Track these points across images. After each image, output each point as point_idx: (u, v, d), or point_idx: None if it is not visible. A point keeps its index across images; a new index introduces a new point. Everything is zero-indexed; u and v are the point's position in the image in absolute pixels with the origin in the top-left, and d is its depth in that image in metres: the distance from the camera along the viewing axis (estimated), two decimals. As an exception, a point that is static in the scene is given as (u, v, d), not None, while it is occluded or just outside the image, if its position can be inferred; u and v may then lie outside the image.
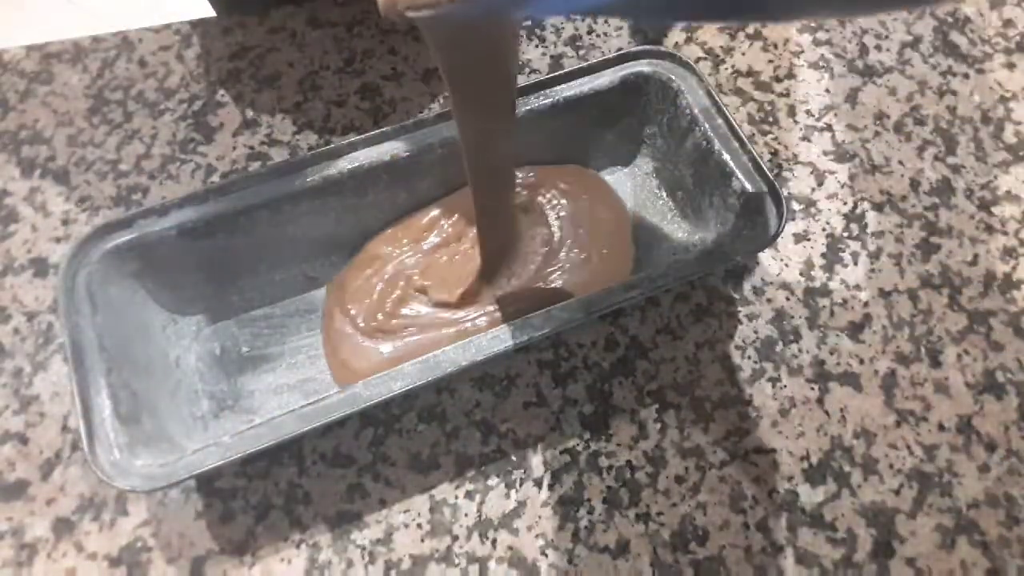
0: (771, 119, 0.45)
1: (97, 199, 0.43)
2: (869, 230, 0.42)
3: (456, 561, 0.34)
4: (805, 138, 0.45)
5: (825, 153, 0.44)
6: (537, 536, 0.34)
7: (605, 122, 0.43)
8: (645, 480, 0.35)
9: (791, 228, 0.42)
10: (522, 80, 0.47)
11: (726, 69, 0.47)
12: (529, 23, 0.48)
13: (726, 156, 0.38)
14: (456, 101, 0.22)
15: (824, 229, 0.42)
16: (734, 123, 0.38)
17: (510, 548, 0.34)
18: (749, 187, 0.37)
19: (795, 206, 0.43)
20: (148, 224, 0.36)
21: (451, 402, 0.37)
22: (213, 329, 0.39)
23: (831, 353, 0.38)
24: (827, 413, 0.37)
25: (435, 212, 0.41)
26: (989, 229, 0.42)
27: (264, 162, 0.44)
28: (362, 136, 0.38)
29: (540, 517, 0.35)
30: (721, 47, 0.48)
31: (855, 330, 0.39)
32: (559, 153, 0.43)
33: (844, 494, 0.35)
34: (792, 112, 0.46)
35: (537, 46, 0.48)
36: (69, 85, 0.47)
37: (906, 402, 0.37)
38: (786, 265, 0.41)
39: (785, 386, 0.38)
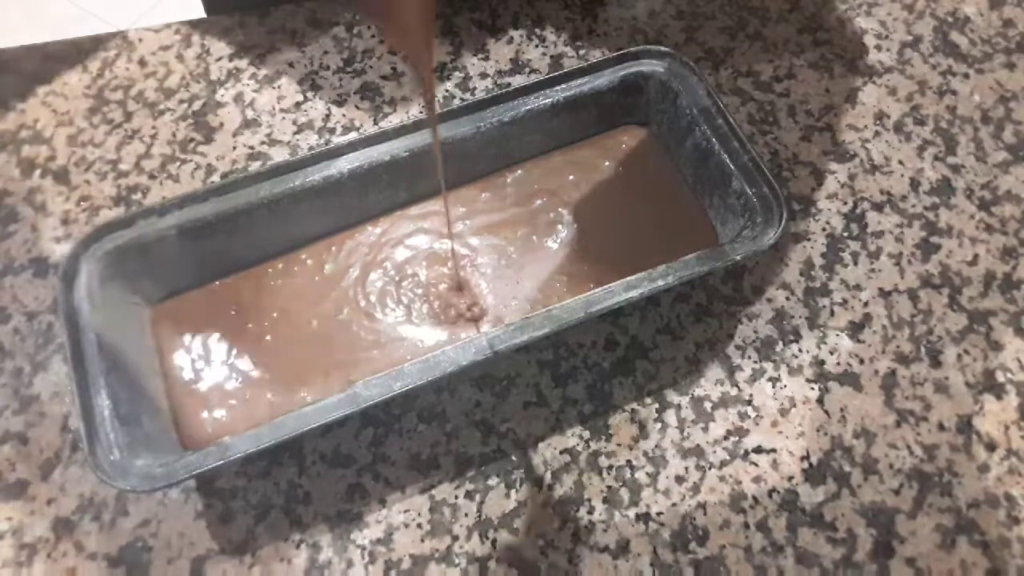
0: (771, 119, 0.45)
1: (97, 199, 0.43)
2: (869, 230, 0.42)
3: (456, 561, 0.34)
4: (805, 138, 0.45)
5: (825, 153, 0.44)
6: (537, 536, 0.34)
7: (605, 122, 0.43)
8: (645, 480, 0.35)
9: (791, 228, 0.42)
10: (522, 80, 0.47)
11: (726, 69, 0.47)
12: None
13: (726, 156, 0.38)
14: None
15: (824, 229, 0.42)
16: (734, 123, 0.38)
17: (510, 548, 0.34)
18: (749, 187, 0.37)
19: (795, 206, 0.43)
20: (148, 224, 0.36)
21: (451, 402, 0.37)
22: (213, 329, 0.39)
23: (831, 353, 0.38)
24: (827, 413, 0.37)
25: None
26: (989, 229, 0.42)
27: (264, 162, 0.44)
28: (362, 136, 0.38)
29: (540, 517, 0.35)
30: (721, 47, 0.48)
31: (855, 330, 0.39)
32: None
33: (844, 494, 0.35)
34: (792, 112, 0.46)
35: (537, 46, 0.48)
36: (69, 85, 0.47)
37: (906, 402, 0.37)
38: (786, 265, 0.41)
39: (785, 386, 0.38)
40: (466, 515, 0.35)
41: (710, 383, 0.38)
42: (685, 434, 0.36)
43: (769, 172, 0.36)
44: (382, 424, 0.37)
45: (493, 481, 0.35)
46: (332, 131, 0.45)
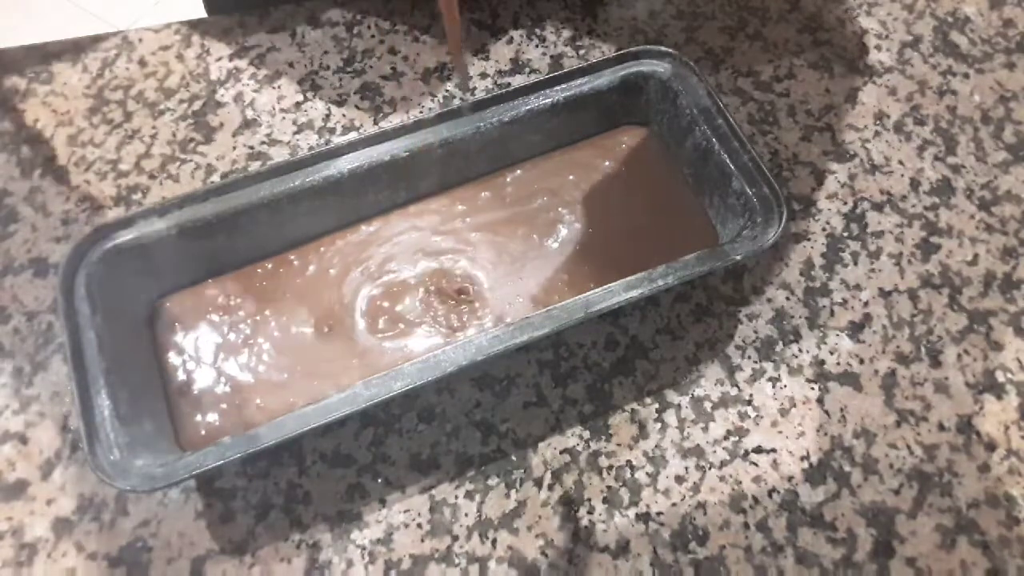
0: (771, 119, 0.45)
1: (97, 199, 0.43)
2: (869, 230, 0.42)
3: (456, 561, 0.34)
4: (805, 138, 0.45)
5: (825, 153, 0.44)
6: (537, 536, 0.34)
7: (605, 122, 0.43)
8: (645, 480, 0.35)
9: (791, 228, 0.42)
10: (522, 80, 0.47)
11: (726, 69, 0.47)
12: None
13: (726, 156, 0.38)
14: None
15: (824, 229, 0.42)
16: (734, 123, 0.38)
17: (510, 548, 0.34)
18: (749, 187, 0.37)
19: (795, 206, 0.43)
20: (148, 224, 0.36)
21: (451, 402, 0.37)
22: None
23: (831, 353, 0.38)
24: (827, 413, 0.37)
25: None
26: (989, 229, 0.42)
27: (264, 162, 0.44)
28: (362, 136, 0.38)
29: (540, 517, 0.35)
30: (721, 47, 0.48)
31: (855, 330, 0.39)
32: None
33: (844, 494, 0.35)
34: (792, 112, 0.46)
35: (537, 46, 0.48)
36: (69, 85, 0.47)
37: (906, 402, 0.37)
38: (786, 265, 0.41)
39: (785, 386, 0.38)
40: (466, 515, 0.35)
41: (710, 383, 0.38)
42: (685, 434, 0.36)
43: (769, 172, 0.36)
44: (382, 424, 0.37)
45: (493, 481, 0.35)
46: (332, 131, 0.45)
